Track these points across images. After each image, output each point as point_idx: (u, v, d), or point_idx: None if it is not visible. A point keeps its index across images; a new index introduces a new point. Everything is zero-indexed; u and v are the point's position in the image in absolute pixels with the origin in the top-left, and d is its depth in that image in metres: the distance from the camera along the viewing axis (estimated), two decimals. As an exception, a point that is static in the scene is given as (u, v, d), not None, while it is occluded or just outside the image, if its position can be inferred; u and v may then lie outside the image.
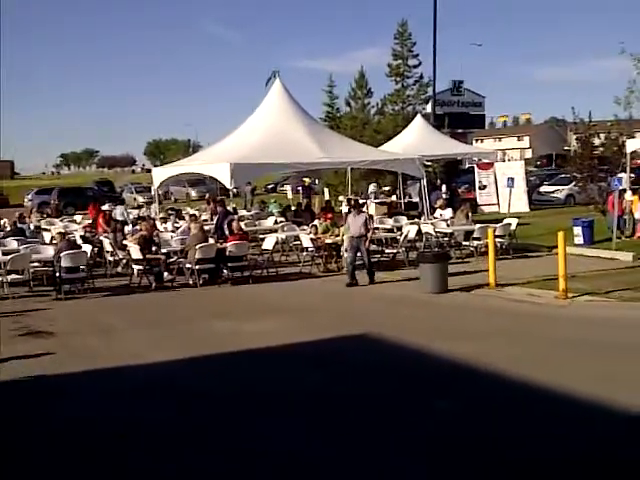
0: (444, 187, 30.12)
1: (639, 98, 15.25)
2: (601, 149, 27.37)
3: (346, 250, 16.26)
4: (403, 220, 21.90)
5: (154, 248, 16.74)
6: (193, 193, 50.50)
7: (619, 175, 20.58)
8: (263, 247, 18.20)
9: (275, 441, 6.77)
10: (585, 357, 9.37)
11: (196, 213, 24.84)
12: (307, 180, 36.36)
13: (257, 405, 7.88)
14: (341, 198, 29.40)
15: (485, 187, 31.77)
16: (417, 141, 29.96)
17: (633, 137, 25.38)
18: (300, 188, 36.96)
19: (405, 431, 6.92)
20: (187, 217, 22.61)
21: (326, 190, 33.86)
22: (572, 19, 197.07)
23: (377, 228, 20.80)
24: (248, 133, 21.81)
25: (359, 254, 15.83)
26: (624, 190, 21.17)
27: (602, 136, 29.00)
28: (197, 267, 15.88)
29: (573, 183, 30.32)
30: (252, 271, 16.72)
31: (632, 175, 25.50)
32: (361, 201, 29.57)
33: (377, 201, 30.30)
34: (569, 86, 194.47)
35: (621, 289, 13.66)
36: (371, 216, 19.52)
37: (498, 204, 31.01)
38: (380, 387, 8.43)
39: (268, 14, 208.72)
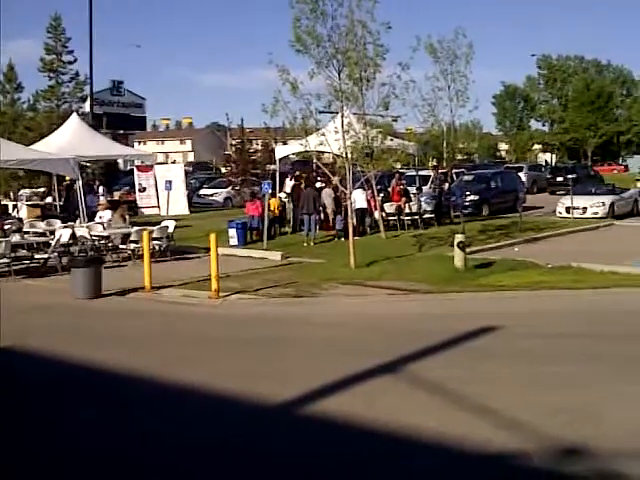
0: (101, 189, 29.29)
1: (284, 107, 16.34)
2: (259, 154, 29.16)
3: None
4: (57, 223, 20.71)
5: None
6: None
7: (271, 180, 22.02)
8: None
9: None
10: (231, 354, 9.66)
11: None
12: None
13: None
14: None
15: (145, 189, 31.44)
16: (73, 141, 28.48)
17: (286, 144, 27.37)
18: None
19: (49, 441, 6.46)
20: None
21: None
22: (224, 25, 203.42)
23: (27, 232, 19.46)
24: None
25: None
26: (273, 194, 22.68)
27: (258, 142, 30.84)
28: None
29: (230, 187, 31.70)
30: None
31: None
32: (11, 203, 27.54)
33: (29, 203, 28.29)
34: (230, 93, 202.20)
35: (269, 286, 14.51)
36: None
37: (159, 207, 30.97)
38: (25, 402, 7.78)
39: None
